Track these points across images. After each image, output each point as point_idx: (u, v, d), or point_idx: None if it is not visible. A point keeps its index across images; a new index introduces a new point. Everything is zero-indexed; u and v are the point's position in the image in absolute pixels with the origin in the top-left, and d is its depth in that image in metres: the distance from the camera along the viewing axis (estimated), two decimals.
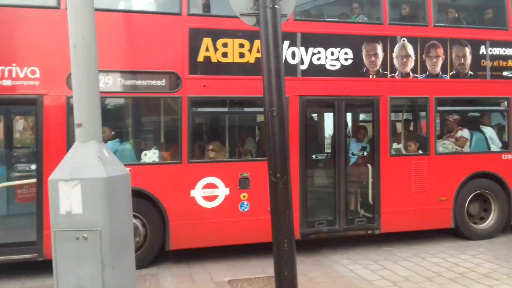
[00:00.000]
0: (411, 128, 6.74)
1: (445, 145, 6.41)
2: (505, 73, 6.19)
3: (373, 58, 5.76)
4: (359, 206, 6.08)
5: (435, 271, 4.97)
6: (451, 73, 6.02)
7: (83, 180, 2.58)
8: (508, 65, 6.17)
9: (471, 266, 5.10)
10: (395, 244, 6.16)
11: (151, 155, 5.31)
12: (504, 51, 6.15)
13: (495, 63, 6.13)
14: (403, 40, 5.85)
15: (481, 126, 6.55)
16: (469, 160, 6.12)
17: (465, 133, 6.33)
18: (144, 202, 5.06)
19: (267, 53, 2.76)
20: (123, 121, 5.96)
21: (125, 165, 3.02)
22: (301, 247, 5.47)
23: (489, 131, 6.47)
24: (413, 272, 4.97)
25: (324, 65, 5.58)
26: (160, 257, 5.30)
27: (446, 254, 5.62)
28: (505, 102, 6.33)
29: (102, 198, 2.60)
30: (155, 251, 5.24)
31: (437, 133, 6.38)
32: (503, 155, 6.18)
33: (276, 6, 2.73)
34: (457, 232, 6.21)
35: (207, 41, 5.20)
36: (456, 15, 6.57)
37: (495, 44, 6.13)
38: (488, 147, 6.36)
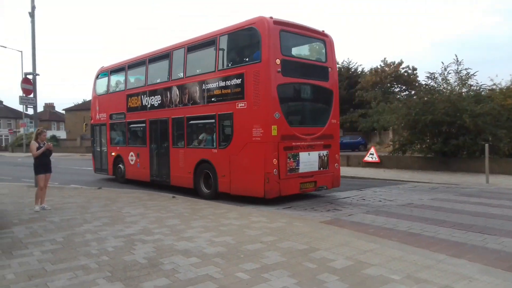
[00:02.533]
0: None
1: (193, 143, 10.72)
2: (213, 99, 9.93)
3: (166, 98, 11.42)
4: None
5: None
6: (191, 102, 10.66)
7: None
8: (215, 93, 9.89)
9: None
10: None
11: None
12: (213, 85, 9.92)
13: (208, 94, 10.08)
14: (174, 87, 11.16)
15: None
16: (198, 152, 10.43)
17: (201, 136, 10.45)
18: None
19: None
20: None
21: None
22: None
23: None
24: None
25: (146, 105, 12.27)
26: None
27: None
28: (215, 117, 9.96)
29: None
30: None
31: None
32: (213, 150, 9.96)
33: None
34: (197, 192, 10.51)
35: None
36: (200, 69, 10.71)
37: (208, 82, 10.12)
38: (213, 145, 10.08)
